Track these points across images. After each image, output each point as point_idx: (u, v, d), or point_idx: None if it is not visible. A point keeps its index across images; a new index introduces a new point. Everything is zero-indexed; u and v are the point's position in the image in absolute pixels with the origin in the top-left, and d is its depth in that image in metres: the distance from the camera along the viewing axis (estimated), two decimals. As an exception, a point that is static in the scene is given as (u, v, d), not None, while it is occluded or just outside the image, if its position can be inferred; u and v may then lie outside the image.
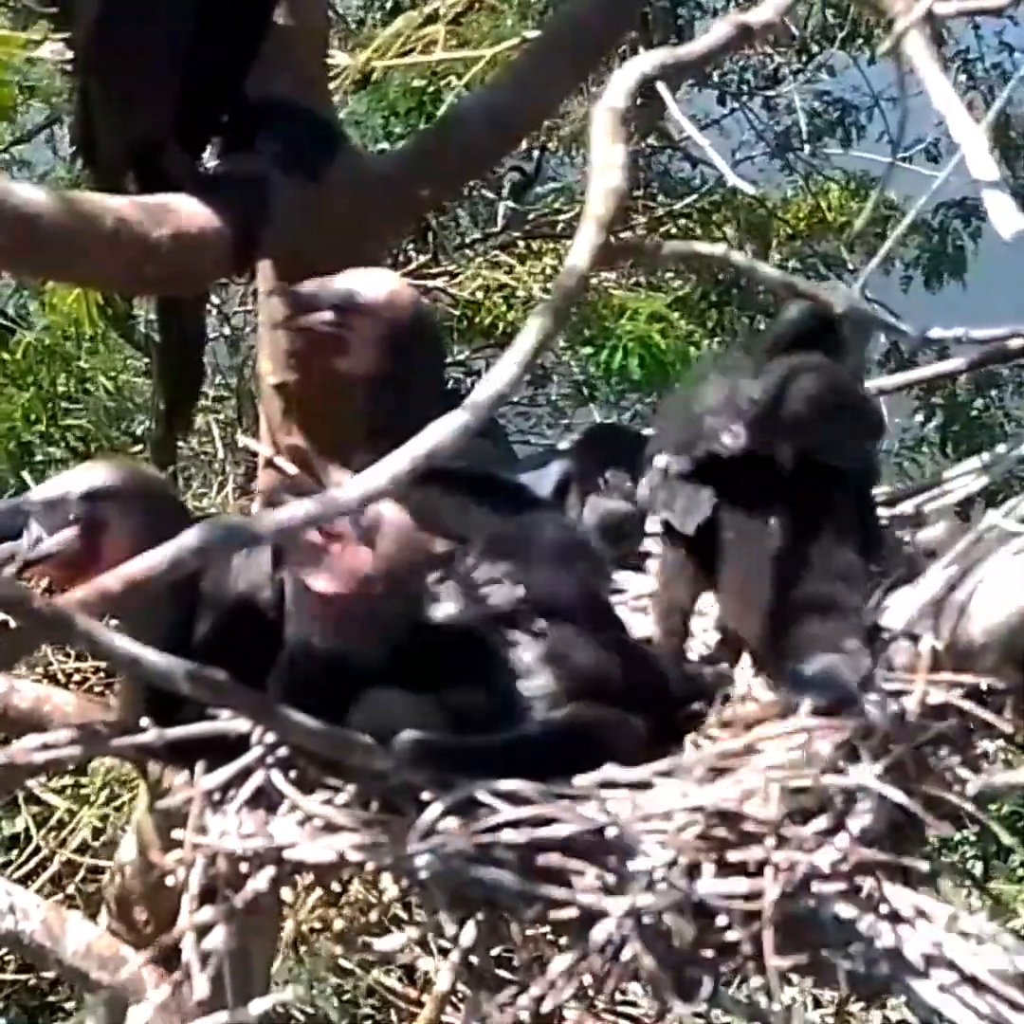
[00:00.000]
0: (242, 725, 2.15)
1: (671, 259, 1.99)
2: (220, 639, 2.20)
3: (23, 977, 5.83)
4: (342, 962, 5.39)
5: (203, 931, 2.11)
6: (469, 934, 2.07)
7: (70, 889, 5.67)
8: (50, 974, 5.76)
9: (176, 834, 2.18)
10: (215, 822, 2.15)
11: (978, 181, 2.05)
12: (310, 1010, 5.63)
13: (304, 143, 2.62)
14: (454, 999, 5.33)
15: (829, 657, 2.08)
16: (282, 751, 2.15)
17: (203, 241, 2.47)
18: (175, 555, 1.83)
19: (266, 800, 2.16)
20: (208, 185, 2.54)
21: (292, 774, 2.16)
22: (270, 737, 2.15)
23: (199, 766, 2.15)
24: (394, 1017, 5.92)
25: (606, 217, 2.00)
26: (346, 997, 5.75)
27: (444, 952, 2.13)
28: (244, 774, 2.16)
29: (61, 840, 5.73)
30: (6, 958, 5.79)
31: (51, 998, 5.93)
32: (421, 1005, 5.70)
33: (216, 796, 2.16)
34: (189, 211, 2.47)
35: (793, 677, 2.10)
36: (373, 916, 2.24)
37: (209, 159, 2.67)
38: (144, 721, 2.18)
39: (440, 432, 1.90)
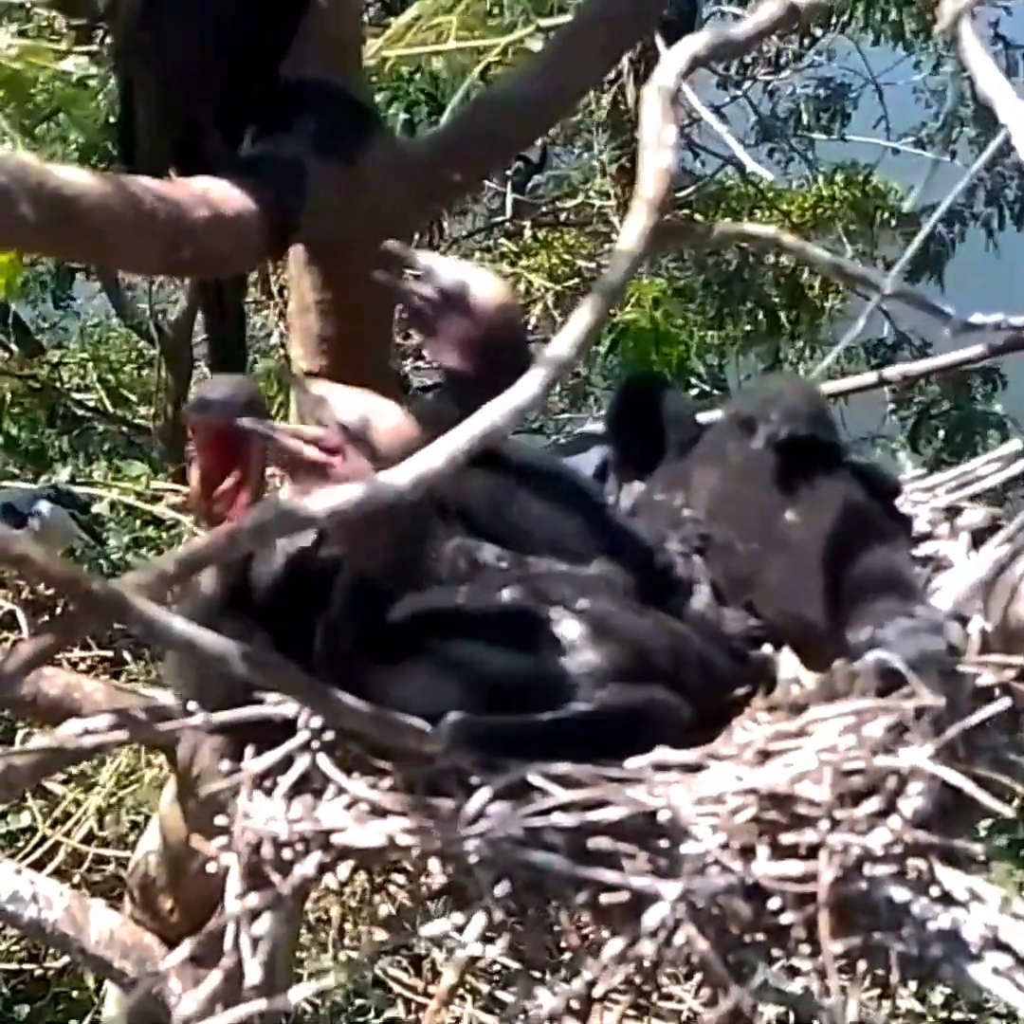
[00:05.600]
0: (289, 708, 2.14)
1: (722, 241, 1.98)
2: (273, 602, 2.17)
3: (30, 967, 5.82)
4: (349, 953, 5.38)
5: (246, 918, 2.10)
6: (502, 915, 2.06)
7: (76, 878, 5.65)
8: (56, 965, 5.76)
9: (218, 820, 2.17)
10: (261, 807, 2.13)
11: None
12: (316, 1001, 5.63)
13: (339, 126, 2.60)
14: (462, 991, 5.36)
15: (907, 622, 2.07)
16: (328, 735, 2.15)
17: (239, 224, 2.45)
18: (230, 539, 1.82)
19: (312, 785, 2.15)
20: (244, 168, 2.53)
21: (337, 758, 2.15)
22: (316, 721, 2.14)
23: (248, 750, 2.14)
24: (402, 1009, 5.91)
25: (657, 198, 1.99)
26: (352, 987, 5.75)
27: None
28: (290, 758, 2.15)
29: (67, 830, 5.71)
30: (13, 948, 5.78)
31: (57, 989, 5.91)
32: (429, 996, 5.69)
33: (262, 781, 2.15)
34: (225, 194, 2.45)
35: (873, 644, 2.08)
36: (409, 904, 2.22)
37: (246, 143, 2.65)
38: (191, 704, 2.17)
39: (495, 414, 1.89)
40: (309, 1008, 5.67)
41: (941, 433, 8.19)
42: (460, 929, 2.11)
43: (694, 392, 7.04)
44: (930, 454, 8.11)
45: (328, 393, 2.17)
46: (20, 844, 5.76)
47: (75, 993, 5.84)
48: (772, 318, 7.68)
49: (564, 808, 2.01)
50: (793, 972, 2.05)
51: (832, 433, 2.37)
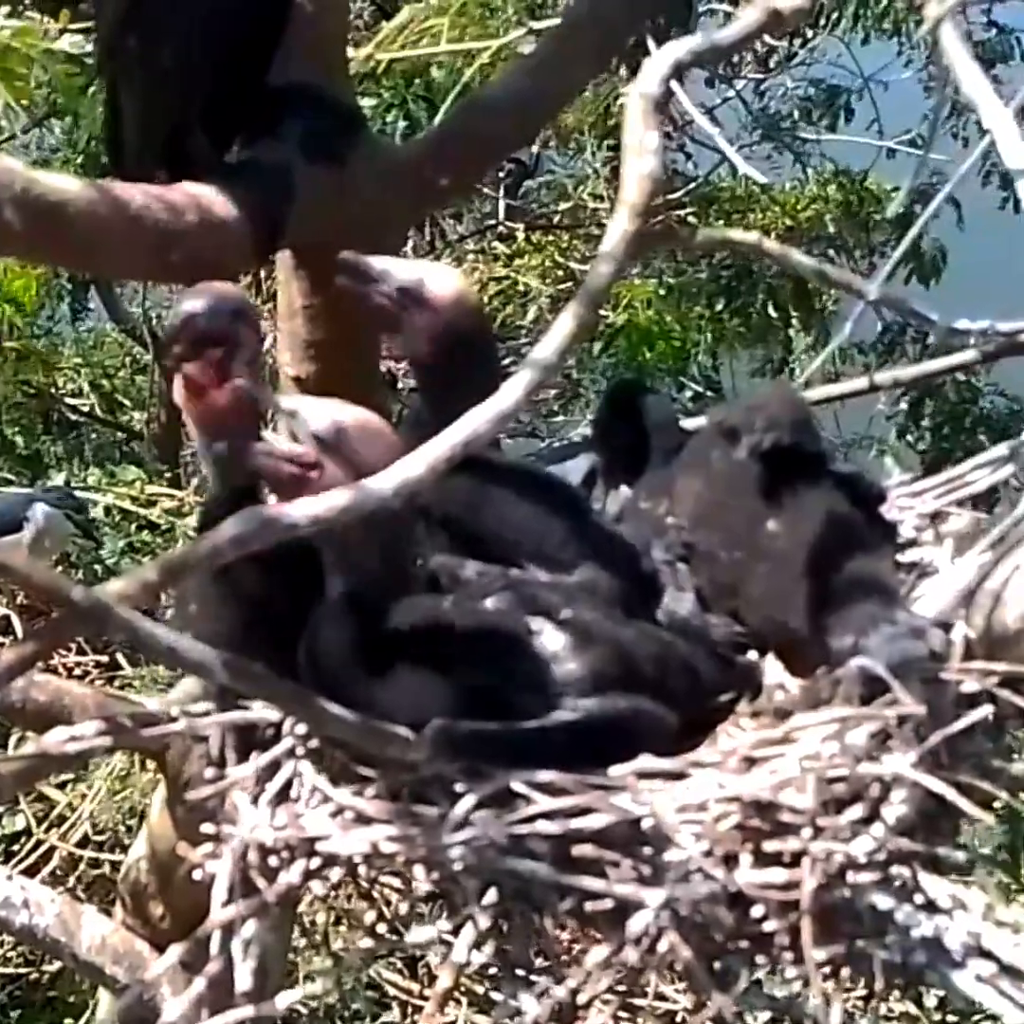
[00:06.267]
0: (274, 714, 2.14)
1: (704, 246, 1.98)
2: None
3: (25, 971, 5.82)
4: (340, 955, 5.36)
5: (234, 925, 2.10)
6: (487, 922, 2.06)
7: (71, 882, 5.66)
8: (52, 968, 5.76)
9: (204, 827, 2.17)
10: (246, 814, 2.13)
11: (1013, 170, 2.05)
12: (311, 1004, 5.62)
13: (327, 130, 2.61)
14: (457, 993, 5.35)
15: (889, 628, 2.07)
16: (313, 742, 2.15)
17: (227, 228, 2.46)
18: (212, 547, 1.82)
19: (297, 792, 2.15)
20: (231, 173, 2.53)
21: (322, 766, 2.15)
22: (301, 728, 2.14)
23: (230, 756, 2.14)
24: (397, 1013, 5.90)
25: (640, 204, 1.99)
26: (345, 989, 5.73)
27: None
28: (275, 765, 2.15)
29: (63, 834, 5.71)
30: (8, 953, 5.78)
31: (52, 993, 5.91)
32: (424, 999, 5.69)
33: (247, 788, 2.15)
34: (213, 199, 2.46)
35: (855, 651, 2.07)
36: (403, 908, 2.22)
37: (234, 149, 2.65)
38: (173, 711, 2.17)
39: (478, 419, 1.89)
40: (303, 1010, 5.67)
41: (936, 417, 8.15)
42: (448, 935, 2.12)
43: (688, 394, 7.03)
44: (923, 445, 8.10)
45: (299, 406, 2.16)
46: (15, 848, 5.76)
47: (72, 998, 5.84)
48: (782, 312, 7.66)
49: (548, 816, 2.01)
50: (777, 969, 2.05)
51: (816, 442, 2.38)
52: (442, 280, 2.32)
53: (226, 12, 2.47)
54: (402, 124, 5.32)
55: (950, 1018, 5.34)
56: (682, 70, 2.07)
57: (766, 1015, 2.24)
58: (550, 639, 2.12)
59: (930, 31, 1.98)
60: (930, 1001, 5.22)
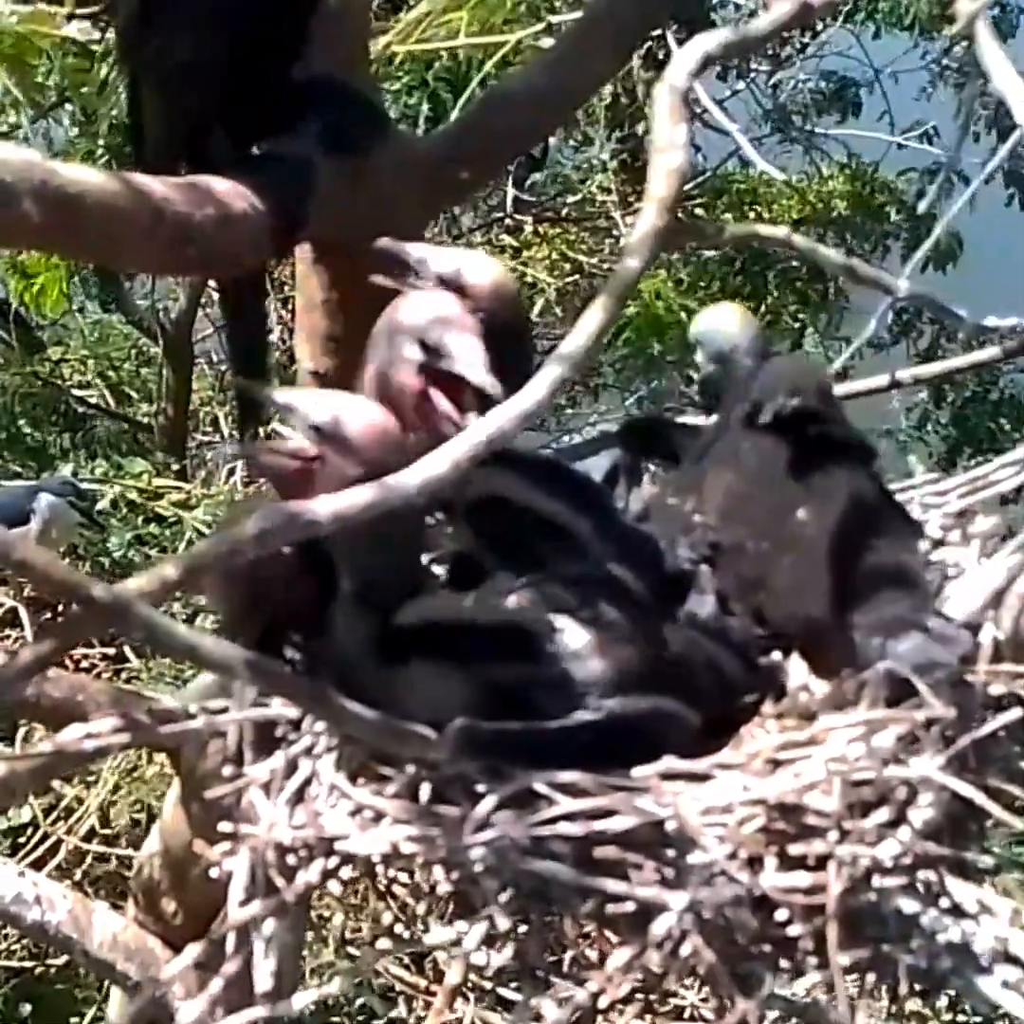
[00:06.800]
0: (292, 711, 2.12)
1: (732, 242, 1.97)
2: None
3: (30, 964, 5.80)
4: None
5: (251, 925, 2.08)
6: (507, 923, 2.04)
7: (77, 875, 5.64)
8: (58, 962, 5.74)
9: (221, 826, 2.15)
10: (264, 812, 2.11)
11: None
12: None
13: (347, 124, 2.59)
14: (464, 989, 5.34)
15: (917, 631, 2.05)
16: (332, 740, 2.13)
17: (246, 222, 2.44)
18: (233, 543, 1.80)
19: (315, 790, 2.13)
20: (251, 167, 2.51)
21: (341, 764, 2.13)
22: (321, 726, 2.12)
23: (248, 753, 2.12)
24: (403, 1007, 5.89)
25: (668, 198, 1.97)
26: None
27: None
28: (294, 763, 2.13)
29: (69, 827, 5.70)
30: (13, 946, 5.76)
31: (59, 986, 5.89)
32: (432, 995, 5.67)
33: (265, 786, 2.13)
34: (232, 192, 2.43)
35: (883, 654, 2.05)
36: (421, 908, 2.20)
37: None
38: (191, 707, 2.15)
39: (502, 417, 1.87)
40: (311, 1005, 5.63)
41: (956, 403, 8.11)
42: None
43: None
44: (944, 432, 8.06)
45: (294, 399, 2.15)
46: (21, 840, 5.74)
47: (78, 992, 5.82)
48: (794, 296, 7.62)
49: (570, 817, 1.99)
50: (800, 974, 2.02)
51: (839, 410, 2.35)
52: (480, 269, 2.29)
53: (235, 10, 2.44)
54: (425, 107, 5.27)
55: (960, 1018, 5.32)
56: (711, 63, 2.05)
57: (773, 1014, 2.22)
58: (573, 637, 2.10)
59: (964, 27, 1.95)
60: (940, 1000, 5.19)
